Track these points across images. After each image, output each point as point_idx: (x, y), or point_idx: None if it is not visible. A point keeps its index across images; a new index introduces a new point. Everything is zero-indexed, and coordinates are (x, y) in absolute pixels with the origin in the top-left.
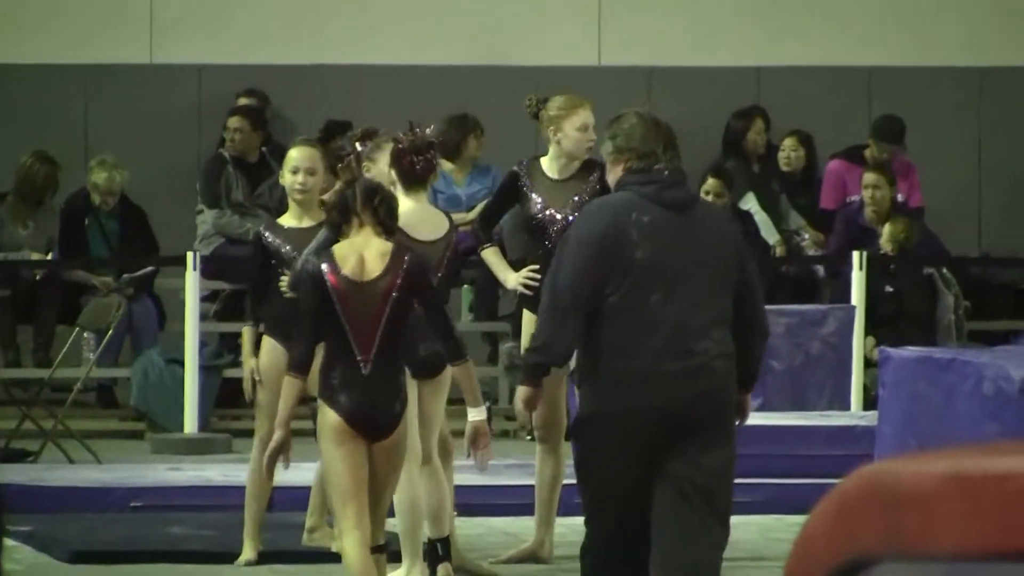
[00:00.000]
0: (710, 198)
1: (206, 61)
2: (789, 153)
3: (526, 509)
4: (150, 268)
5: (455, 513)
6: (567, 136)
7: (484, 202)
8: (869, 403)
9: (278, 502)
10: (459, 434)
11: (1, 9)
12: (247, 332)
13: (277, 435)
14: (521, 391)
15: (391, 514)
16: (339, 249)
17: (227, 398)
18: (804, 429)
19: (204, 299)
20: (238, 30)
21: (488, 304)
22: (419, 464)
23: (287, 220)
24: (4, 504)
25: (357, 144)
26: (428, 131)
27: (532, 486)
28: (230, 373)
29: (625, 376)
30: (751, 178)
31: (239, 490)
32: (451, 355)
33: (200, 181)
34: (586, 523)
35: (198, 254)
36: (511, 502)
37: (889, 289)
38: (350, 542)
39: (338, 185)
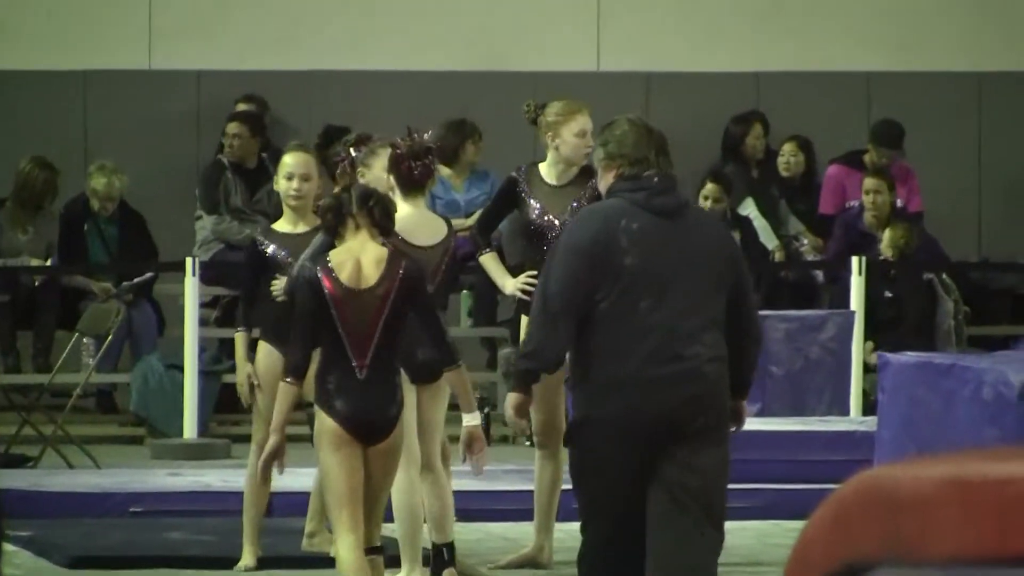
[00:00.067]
0: (709, 203)
1: (205, 67)
2: (789, 158)
3: (525, 514)
4: (149, 274)
5: (454, 519)
6: (565, 142)
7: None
8: (868, 408)
9: (277, 507)
10: (456, 440)
11: (0, 15)
12: (240, 337)
13: (272, 440)
14: (511, 398)
15: (391, 519)
16: (336, 255)
17: (226, 403)
18: (803, 434)
19: (205, 305)
20: (236, 36)
21: (487, 309)
22: (418, 469)
23: (282, 225)
24: (4, 509)
25: (351, 150)
26: (426, 136)
27: (531, 491)
28: (229, 378)
29: (615, 382)
30: (750, 183)
31: (238, 495)
32: (444, 361)
33: (199, 187)
34: (582, 529)
35: (197, 260)
36: (510, 507)
37: (888, 294)
38: (344, 545)
39: (336, 190)
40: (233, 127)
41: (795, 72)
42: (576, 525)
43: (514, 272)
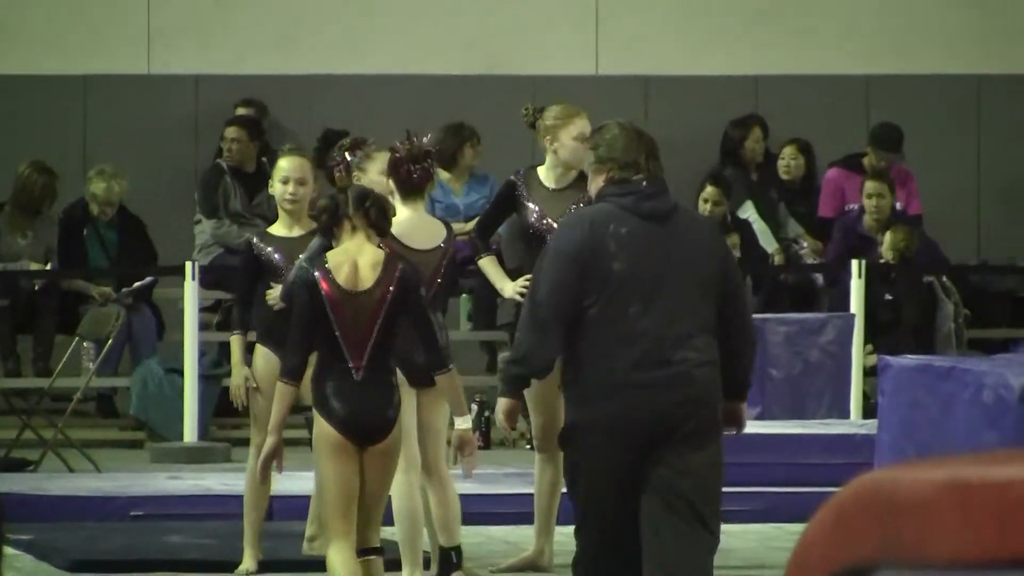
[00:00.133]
0: (709, 206)
1: (203, 71)
2: (789, 161)
3: (525, 518)
4: (150, 279)
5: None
6: (564, 145)
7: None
8: (868, 411)
9: (277, 511)
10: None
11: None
12: (236, 340)
13: (270, 441)
14: (501, 403)
15: (391, 522)
16: (333, 256)
17: (226, 407)
18: (803, 437)
19: (207, 309)
20: (235, 40)
21: (486, 313)
22: (418, 473)
23: (277, 229)
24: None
25: (347, 154)
26: (425, 140)
27: (531, 495)
28: (229, 382)
29: (604, 387)
30: (749, 186)
31: (238, 499)
32: (434, 364)
33: (198, 191)
34: (576, 533)
35: (196, 264)
36: (510, 511)
37: (888, 297)
38: (335, 550)
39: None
40: (232, 131)
41: (794, 75)
42: None
43: (513, 276)
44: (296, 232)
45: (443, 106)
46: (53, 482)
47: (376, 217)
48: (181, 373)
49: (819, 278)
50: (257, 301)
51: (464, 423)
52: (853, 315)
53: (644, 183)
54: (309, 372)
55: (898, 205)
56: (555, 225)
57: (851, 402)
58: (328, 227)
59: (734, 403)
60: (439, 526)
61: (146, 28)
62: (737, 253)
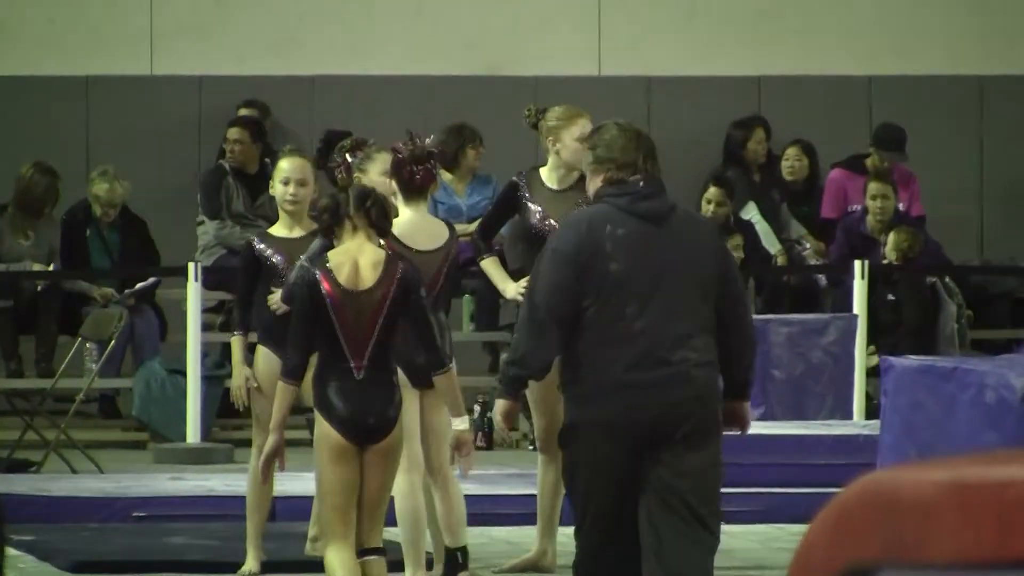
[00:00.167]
0: (712, 207)
1: (206, 72)
2: (793, 162)
3: (528, 519)
4: (152, 280)
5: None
6: (566, 146)
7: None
8: (871, 412)
9: (280, 512)
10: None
11: (1, 21)
12: (237, 341)
13: (271, 439)
14: (500, 404)
15: (394, 523)
16: (334, 256)
17: (229, 408)
18: (806, 438)
19: (210, 310)
20: (237, 41)
21: (489, 314)
22: (420, 473)
23: (278, 230)
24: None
25: (347, 155)
26: (428, 141)
27: (534, 495)
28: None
29: (602, 388)
30: (752, 187)
31: (241, 500)
32: (432, 364)
33: (200, 192)
34: (575, 534)
35: (199, 265)
36: (513, 512)
37: (891, 298)
38: (333, 550)
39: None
40: (234, 132)
41: (796, 76)
42: None
43: (515, 277)
44: (297, 233)
45: (445, 107)
46: (55, 483)
47: (377, 217)
48: (184, 374)
49: (822, 279)
50: (258, 302)
51: (461, 424)
52: (856, 316)
53: (641, 184)
54: (310, 373)
55: (900, 206)
56: (557, 226)
57: (853, 403)
58: (329, 227)
59: (736, 403)
60: (444, 527)
61: (148, 29)
62: (740, 254)
